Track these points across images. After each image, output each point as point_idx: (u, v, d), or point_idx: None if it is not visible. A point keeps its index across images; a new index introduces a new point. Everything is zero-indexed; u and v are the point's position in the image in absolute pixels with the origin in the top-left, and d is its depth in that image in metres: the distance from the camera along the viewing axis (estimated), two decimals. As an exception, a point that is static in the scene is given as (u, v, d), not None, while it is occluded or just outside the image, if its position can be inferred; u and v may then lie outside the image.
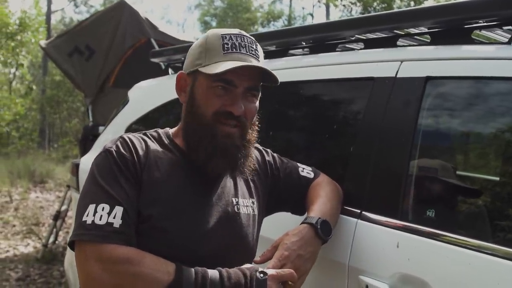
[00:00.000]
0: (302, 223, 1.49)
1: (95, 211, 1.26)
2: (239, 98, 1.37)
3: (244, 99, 1.38)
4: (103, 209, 1.26)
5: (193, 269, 1.26)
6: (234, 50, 1.37)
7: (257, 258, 1.46)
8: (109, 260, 1.22)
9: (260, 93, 1.45)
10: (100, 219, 1.25)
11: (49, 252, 5.53)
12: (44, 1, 23.35)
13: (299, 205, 1.67)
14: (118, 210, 1.27)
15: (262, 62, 1.43)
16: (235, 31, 1.41)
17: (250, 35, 1.47)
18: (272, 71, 1.37)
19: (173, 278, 1.23)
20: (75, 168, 3.38)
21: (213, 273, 1.27)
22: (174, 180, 1.39)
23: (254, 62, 1.37)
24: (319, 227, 1.46)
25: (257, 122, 1.48)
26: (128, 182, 1.32)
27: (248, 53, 1.38)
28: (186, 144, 1.44)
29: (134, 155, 1.36)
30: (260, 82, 1.42)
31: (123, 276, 1.22)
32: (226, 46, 1.37)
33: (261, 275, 1.28)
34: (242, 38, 1.40)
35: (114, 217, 1.26)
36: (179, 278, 1.23)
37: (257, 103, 1.44)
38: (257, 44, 1.43)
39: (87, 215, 1.26)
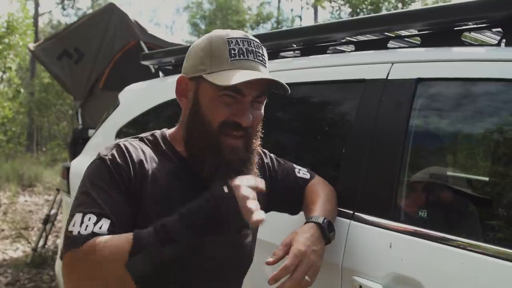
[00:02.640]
0: (308, 222, 1.49)
1: (82, 221, 1.20)
2: (247, 108, 1.31)
3: (251, 108, 1.33)
4: (89, 219, 1.20)
5: (152, 225, 1.18)
6: (241, 56, 1.29)
7: (269, 259, 1.38)
8: (79, 258, 1.17)
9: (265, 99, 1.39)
10: (86, 229, 1.19)
11: (39, 256, 5.49)
12: (31, 4, 23.18)
13: (295, 206, 1.68)
14: (105, 222, 1.21)
15: (267, 67, 1.37)
16: (240, 34, 1.34)
17: None
18: (283, 82, 1.32)
19: (131, 243, 1.15)
20: (66, 171, 3.36)
21: (170, 218, 1.19)
22: (173, 191, 1.34)
23: (261, 69, 1.31)
24: (326, 227, 1.46)
25: (260, 129, 1.42)
26: (120, 194, 1.26)
27: (256, 60, 1.31)
28: (189, 153, 1.39)
29: (130, 165, 1.29)
30: (266, 88, 1.35)
31: (93, 266, 1.16)
32: (233, 52, 1.29)
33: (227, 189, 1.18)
34: (249, 43, 1.33)
35: (100, 228, 1.19)
36: (138, 239, 1.16)
37: (263, 109, 1.39)
38: (263, 47, 1.37)
39: (73, 225, 1.21)
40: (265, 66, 1.34)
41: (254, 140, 1.38)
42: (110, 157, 1.29)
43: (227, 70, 1.28)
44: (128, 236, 1.17)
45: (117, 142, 1.36)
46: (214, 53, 1.31)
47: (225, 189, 1.17)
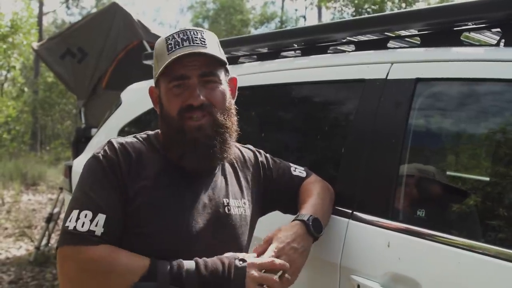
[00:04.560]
0: (294, 220, 1.50)
1: (78, 217, 1.27)
2: (195, 89, 1.38)
3: (203, 88, 1.39)
4: (85, 215, 1.27)
5: (168, 261, 1.28)
6: (176, 47, 1.38)
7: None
8: (84, 260, 1.24)
9: (222, 77, 1.45)
10: (82, 226, 1.26)
11: (42, 254, 5.51)
12: (35, 3, 23.21)
13: (292, 204, 1.68)
14: (101, 218, 1.28)
15: (214, 48, 1.43)
16: (179, 29, 1.43)
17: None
18: (210, 53, 1.38)
19: (147, 269, 1.25)
20: (68, 170, 3.38)
21: (188, 263, 1.29)
22: (163, 184, 1.40)
23: (200, 50, 1.38)
24: (310, 223, 1.47)
25: (233, 106, 1.49)
26: (113, 188, 1.33)
27: (192, 44, 1.39)
28: (166, 149, 1.46)
29: (121, 159, 1.37)
30: (218, 66, 1.43)
31: (97, 274, 1.24)
32: (169, 46, 1.39)
33: (241, 262, 1.30)
34: (185, 33, 1.41)
35: (96, 225, 1.27)
36: (154, 268, 1.25)
37: (223, 87, 1.44)
38: (204, 32, 1.44)
39: (69, 221, 1.28)
40: (205, 47, 1.40)
41: (223, 117, 1.43)
42: (102, 153, 1.38)
43: (165, 63, 1.37)
44: (145, 262, 1.27)
45: (109, 139, 1.43)
46: (158, 55, 1.43)
47: (239, 263, 1.29)
